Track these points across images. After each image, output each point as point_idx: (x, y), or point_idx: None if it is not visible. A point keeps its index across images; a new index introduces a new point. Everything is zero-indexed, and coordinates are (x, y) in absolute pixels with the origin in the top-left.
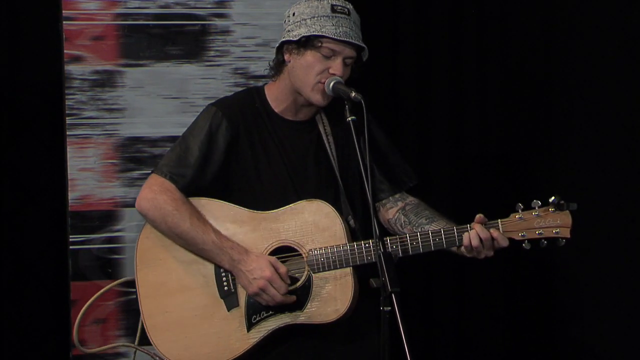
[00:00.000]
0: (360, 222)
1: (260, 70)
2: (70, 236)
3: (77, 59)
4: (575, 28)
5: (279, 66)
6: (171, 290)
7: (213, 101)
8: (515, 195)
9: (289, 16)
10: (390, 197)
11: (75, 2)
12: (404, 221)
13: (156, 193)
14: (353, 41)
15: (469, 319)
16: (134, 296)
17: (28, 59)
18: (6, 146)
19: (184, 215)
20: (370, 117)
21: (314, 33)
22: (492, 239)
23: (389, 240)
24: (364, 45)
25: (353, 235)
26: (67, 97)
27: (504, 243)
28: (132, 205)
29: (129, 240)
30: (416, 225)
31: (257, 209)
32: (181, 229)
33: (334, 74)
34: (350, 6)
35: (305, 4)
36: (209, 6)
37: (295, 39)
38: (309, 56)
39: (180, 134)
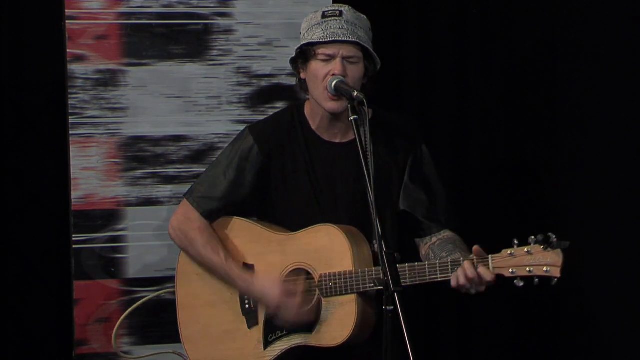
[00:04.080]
0: (395, 246)
1: (263, 70)
2: (73, 235)
3: (80, 58)
4: (581, 31)
5: (302, 84)
6: (203, 303)
7: (251, 124)
8: (522, 198)
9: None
10: (428, 236)
11: (78, 2)
12: (431, 256)
13: (180, 222)
14: (339, 39)
15: (470, 318)
16: (137, 295)
17: (31, 58)
18: (9, 145)
19: (198, 245)
20: (426, 150)
21: (303, 43)
22: (480, 276)
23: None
24: (355, 40)
25: (375, 261)
26: (70, 96)
27: (488, 277)
28: (135, 205)
29: (132, 240)
30: (437, 258)
31: (285, 229)
32: (200, 258)
33: (334, 74)
34: (345, 7)
35: (305, 19)
36: (211, 5)
37: (293, 55)
38: (313, 65)
39: (182, 133)
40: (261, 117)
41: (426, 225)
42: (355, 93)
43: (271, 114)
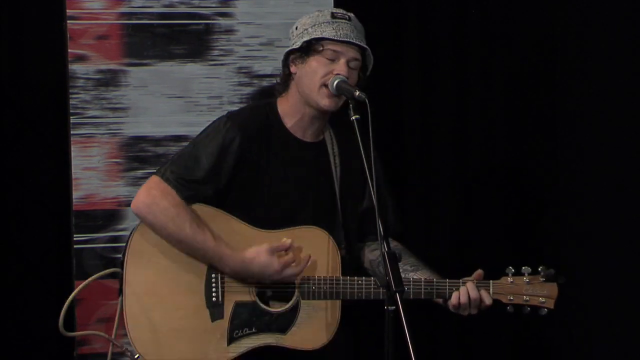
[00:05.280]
0: (353, 252)
1: (264, 70)
2: (74, 235)
3: (81, 58)
4: (583, 33)
5: (286, 80)
6: (159, 292)
7: (228, 112)
8: (523, 199)
9: (292, 31)
10: (377, 241)
11: (79, 1)
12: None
13: (156, 198)
14: (354, 41)
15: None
16: None
17: (32, 58)
18: (10, 145)
19: (184, 221)
20: (376, 153)
21: (314, 37)
22: (481, 299)
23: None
24: (366, 46)
25: (343, 264)
26: (71, 96)
27: (488, 301)
28: None
29: None
30: (401, 270)
31: (259, 226)
32: (181, 235)
33: (338, 74)
34: (351, 14)
35: (307, 16)
36: (213, 5)
37: (297, 46)
38: (313, 61)
39: (184, 133)
40: None
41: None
42: (357, 93)
43: (244, 106)
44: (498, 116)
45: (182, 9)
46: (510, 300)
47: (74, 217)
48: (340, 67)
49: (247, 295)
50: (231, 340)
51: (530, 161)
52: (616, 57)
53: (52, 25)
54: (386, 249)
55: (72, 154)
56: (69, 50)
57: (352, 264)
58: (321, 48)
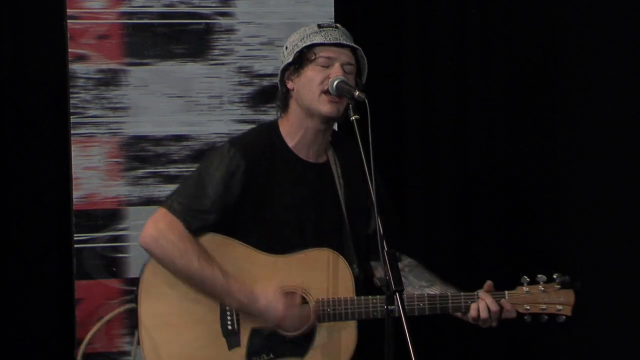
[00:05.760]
0: (364, 268)
1: (264, 69)
2: (75, 235)
3: (81, 58)
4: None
5: (285, 98)
6: (174, 323)
7: (231, 138)
8: (524, 199)
9: (282, 52)
10: None
11: (79, 1)
12: (404, 283)
13: (163, 231)
14: (345, 42)
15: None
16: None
17: (32, 58)
18: (10, 145)
19: (192, 256)
20: (378, 172)
21: (305, 45)
22: (503, 311)
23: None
24: (356, 46)
25: (356, 283)
26: (71, 95)
27: (513, 315)
28: (137, 204)
29: (133, 239)
30: (417, 287)
31: (266, 250)
32: (189, 271)
33: (336, 76)
34: (338, 24)
35: (294, 34)
36: (213, 5)
37: (289, 60)
38: (309, 71)
39: (184, 133)
40: (263, 117)
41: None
42: (357, 93)
43: (248, 129)
44: (498, 116)
45: (183, 9)
46: (527, 310)
47: (74, 217)
48: (336, 70)
49: (263, 321)
50: None
51: (530, 161)
52: (616, 57)
53: (53, 24)
54: (386, 248)
55: (73, 153)
56: (70, 50)
57: (365, 284)
58: (314, 56)
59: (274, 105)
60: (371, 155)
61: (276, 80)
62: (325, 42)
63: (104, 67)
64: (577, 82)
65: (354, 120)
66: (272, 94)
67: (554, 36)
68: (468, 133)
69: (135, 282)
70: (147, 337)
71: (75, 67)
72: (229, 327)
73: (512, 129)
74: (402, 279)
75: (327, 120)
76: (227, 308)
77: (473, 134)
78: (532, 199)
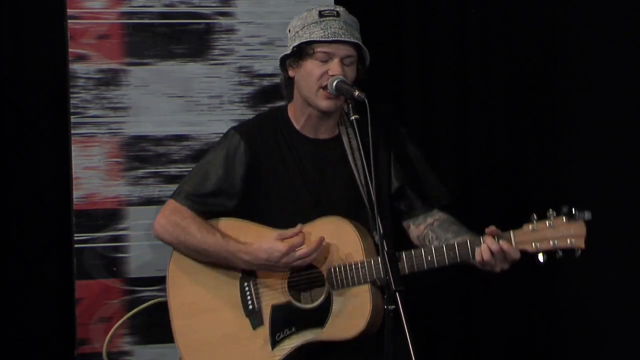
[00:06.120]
0: (391, 236)
1: (265, 69)
2: (75, 235)
3: (81, 58)
4: (582, 32)
5: (289, 84)
6: (200, 310)
7: (234, 125)
8: (524, 199)
9: (287, 34)
10: (421, 215)
11: (80, 1)
12: (432, 237)
13: (167, 217)
14: (342, 39)
15: (472, 317)
16: (139, 295)
17: (32, 58)
18: (10, 145)
19: (193, 229)
20: (405, 131)
21: (303, 41)
22: (504, 251)
23: (404, 255)
24: (356, 41)
25: (377, 250)
26: (71, 95)
27: (516, 255)
28: (137, 204)
29: (133, 239)
30: (443, 240)
31: (283, 226)
32: (195, 243)
33: (333, 75)
34: (340, 8)
35: (297, 18)
36: (213, 5)
37: (288, 52)
38: (308, 64)
39: (184, 133)
40: None
41: (417, 203)
42: (357, 92)
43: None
44: (498, 116)
45: (183, 9)
46: (536, 247)
47: (74, 217)
48: (335, 66)
49: (281, 296)
50: (274, 343)
51: (530, 161)
52: (616, 57)
53: (53, 24)
54: (386, 248)
55: (73, 153)
56: (70, 50)
57: (404, 244)
58: (312, 51)
59: (274, 105)
60: (371, 155)
61: (276, 80)
62: (323, 39)
63: (104, 67)
64: (577, 82)
65: (354, 120)
66: (272, 94)
67: (554, 36)
68: (468, 133)
69: (135, 282)
70: (177, 326)
71: (76, 67)
72: (250, 307)
73: (512, 129)
74: (431, 233)
75: (325, 113)
76: (247, 288)
77: (473, 134)
78: (532, 199)
